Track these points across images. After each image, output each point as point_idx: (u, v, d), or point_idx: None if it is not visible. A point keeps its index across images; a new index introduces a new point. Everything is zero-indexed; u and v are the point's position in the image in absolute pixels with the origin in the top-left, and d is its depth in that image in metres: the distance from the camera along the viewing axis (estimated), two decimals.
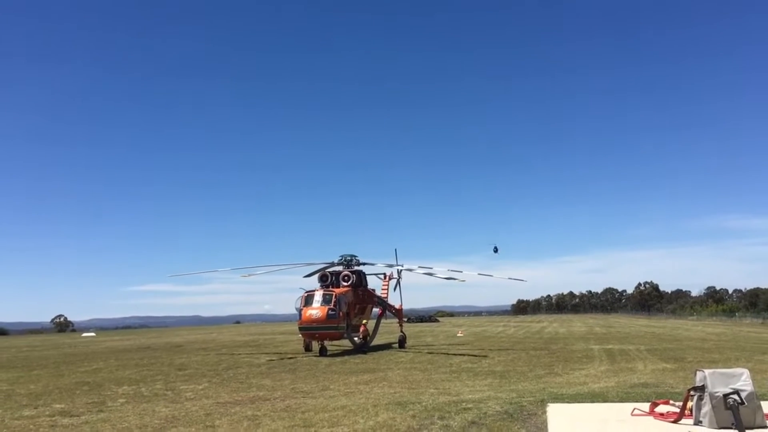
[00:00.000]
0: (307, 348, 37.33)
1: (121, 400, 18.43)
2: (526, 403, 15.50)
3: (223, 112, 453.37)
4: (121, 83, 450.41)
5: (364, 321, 39.80)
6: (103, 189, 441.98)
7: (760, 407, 10.91)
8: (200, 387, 21.28)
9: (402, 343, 41.16)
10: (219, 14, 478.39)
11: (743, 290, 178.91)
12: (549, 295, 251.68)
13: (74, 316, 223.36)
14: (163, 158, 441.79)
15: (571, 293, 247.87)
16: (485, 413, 14.36)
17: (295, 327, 40.96)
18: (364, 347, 36.29)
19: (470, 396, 17.31)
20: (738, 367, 12.00)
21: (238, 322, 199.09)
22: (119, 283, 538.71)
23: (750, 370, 11.40)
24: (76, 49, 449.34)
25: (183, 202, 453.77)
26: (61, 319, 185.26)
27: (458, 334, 59.25)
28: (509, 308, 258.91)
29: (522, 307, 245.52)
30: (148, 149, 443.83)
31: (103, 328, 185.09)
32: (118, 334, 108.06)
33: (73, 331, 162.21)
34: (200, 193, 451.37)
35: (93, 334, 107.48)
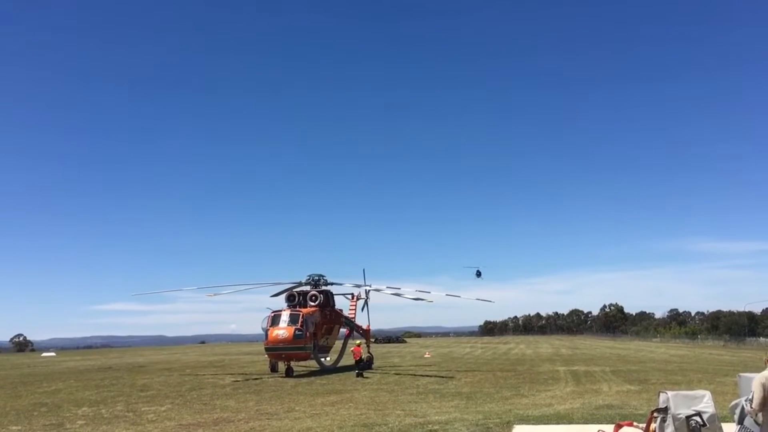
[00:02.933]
0: (273, 368, 36.93)
1: (80, 422, 18.01)
2: (492, 425, 15.51)
3: (189, 127, 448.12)
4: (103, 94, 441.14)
5: (357, 342, 38.39)
6: (65, 204, 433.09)
7: (721, 429, 11.02)
8: (162, 409, 20.90)
9: (369, 363, 40.93)
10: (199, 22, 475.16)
11: (705, 313, 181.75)
12: (516, 317, 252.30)
13: (34, 336, 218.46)
14: (125, 175, 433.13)
15: (537, 315, 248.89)
16: None
17: (262, 347, 40.53)
18: (361, 369, 34.80)
19: (437, 417, 17.27)
20: (700, 389, 12.13)
21: (203, 342, 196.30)
22: (81, 301, 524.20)
23: (711, 392, 11.54)
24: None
25: (147, 219, 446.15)
26: (21, 339, 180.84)
27: (425, 355, 59.19)
28: (477, 329, 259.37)
29: (489, 329, 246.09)
30: (110, 165, 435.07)
31: (63, 347, 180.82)
32: (80, 354, 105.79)
33: (33, 350, 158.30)
34: (165, 210, 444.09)
35: (53, 354, 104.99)
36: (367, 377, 33.35)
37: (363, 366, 35.22)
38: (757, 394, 9.41)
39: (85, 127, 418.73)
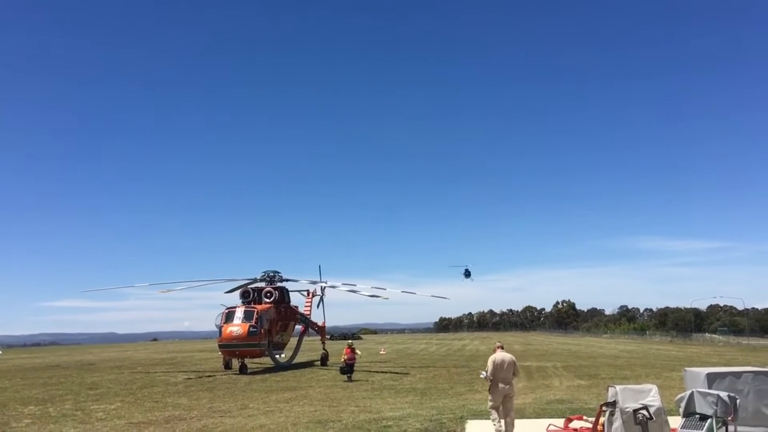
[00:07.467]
0: (227, 366, 36.58)
1: (26, 421, 17.56)
2: (446, 420, 15.66)
3: (141, 122, 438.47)
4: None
5: (349, 342, 35.36)
6: (11, 198, 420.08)
7: (667, 422, 11.33)
8: (112, 407, 20.50)
9: (324, 360, 40.86)
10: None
11: (653, 309, 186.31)
12: (470, 313, 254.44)
13: None
14: (75, 168, 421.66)
15: (491, 311, 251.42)
16: (405, 431, 14.42)
17: (216, 344, 40.12)
18: (342, 372, 30.45)
19: (391, 413, 17.35)
20: (647, 383, 12.45)
21: (155, 340, 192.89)
22: (28, 298, 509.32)
23: (658, 386, 11.85)
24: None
25: (98, 213, 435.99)
26: None
27: (381, 352, 59.35)
28: (432, 326, 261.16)
29: (444, 325, 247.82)
30: (61, 159, 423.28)
31: (10, 345, 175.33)
32: (27, 351, 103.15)
33: None
34: (116, 204, 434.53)
35: None
36: (328, 373, 33.32)
37: (345, 369, 29.99)
38: (489, 368, 13.30)
39: (27, 124, 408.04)
